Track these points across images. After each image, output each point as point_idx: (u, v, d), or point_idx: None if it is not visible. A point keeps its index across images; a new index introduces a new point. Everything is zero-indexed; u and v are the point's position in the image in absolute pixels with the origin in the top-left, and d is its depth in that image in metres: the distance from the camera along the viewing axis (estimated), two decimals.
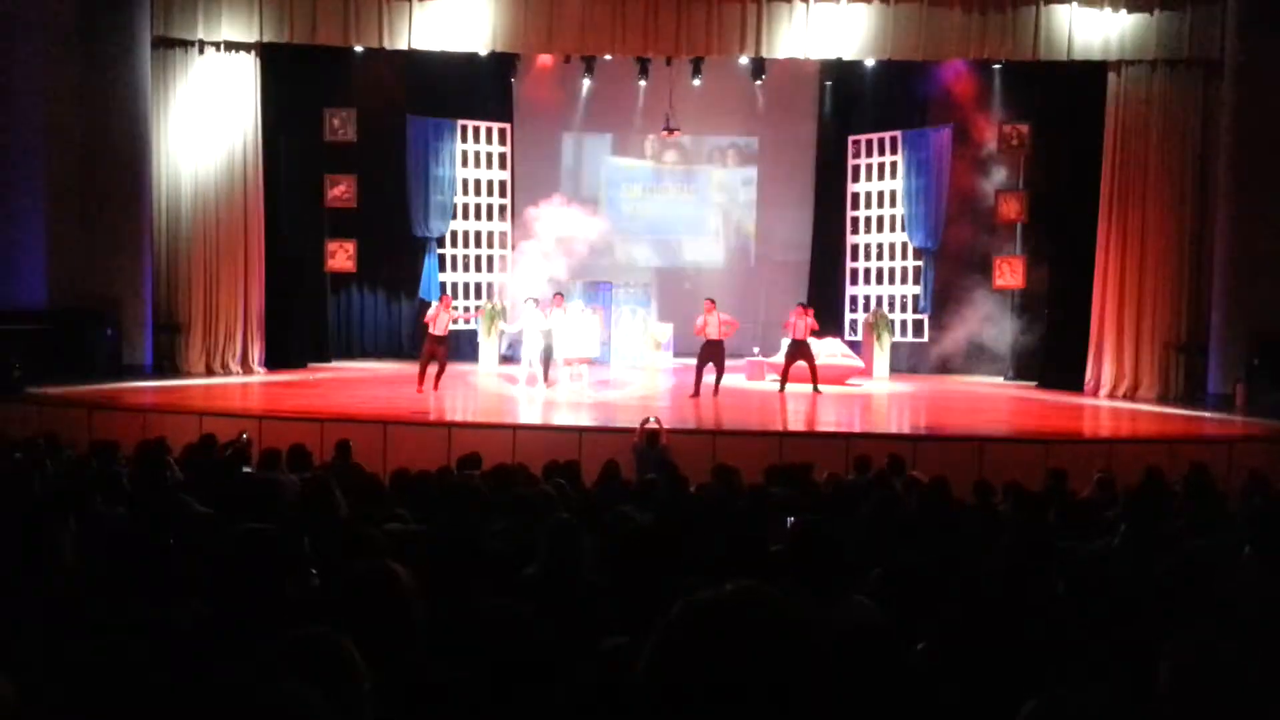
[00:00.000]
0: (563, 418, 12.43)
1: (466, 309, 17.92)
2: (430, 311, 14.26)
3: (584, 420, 12.08)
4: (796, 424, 12.85)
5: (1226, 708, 2.21)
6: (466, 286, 18.79)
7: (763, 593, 1.24)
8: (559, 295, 15.02)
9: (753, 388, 16.05)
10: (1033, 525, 5.51)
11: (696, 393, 13.85)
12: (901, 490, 7.12)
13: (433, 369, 13.83)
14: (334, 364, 17.57)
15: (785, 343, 15.07)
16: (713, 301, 14.34)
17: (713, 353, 13.93)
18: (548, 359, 14.49)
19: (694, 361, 14.25)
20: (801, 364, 14.57)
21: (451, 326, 14.32)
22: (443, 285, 18.35)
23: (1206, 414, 13.50)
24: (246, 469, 7.50)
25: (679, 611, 1.22)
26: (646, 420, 10.15)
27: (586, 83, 18.51)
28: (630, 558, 3.74)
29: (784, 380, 14.76)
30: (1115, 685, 2.22)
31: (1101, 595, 3.73)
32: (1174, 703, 2.24)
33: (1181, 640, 2.31)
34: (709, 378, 13.94)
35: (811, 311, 14.84)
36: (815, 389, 14.56)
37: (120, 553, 3.63)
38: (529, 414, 12.71)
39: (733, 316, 14.52)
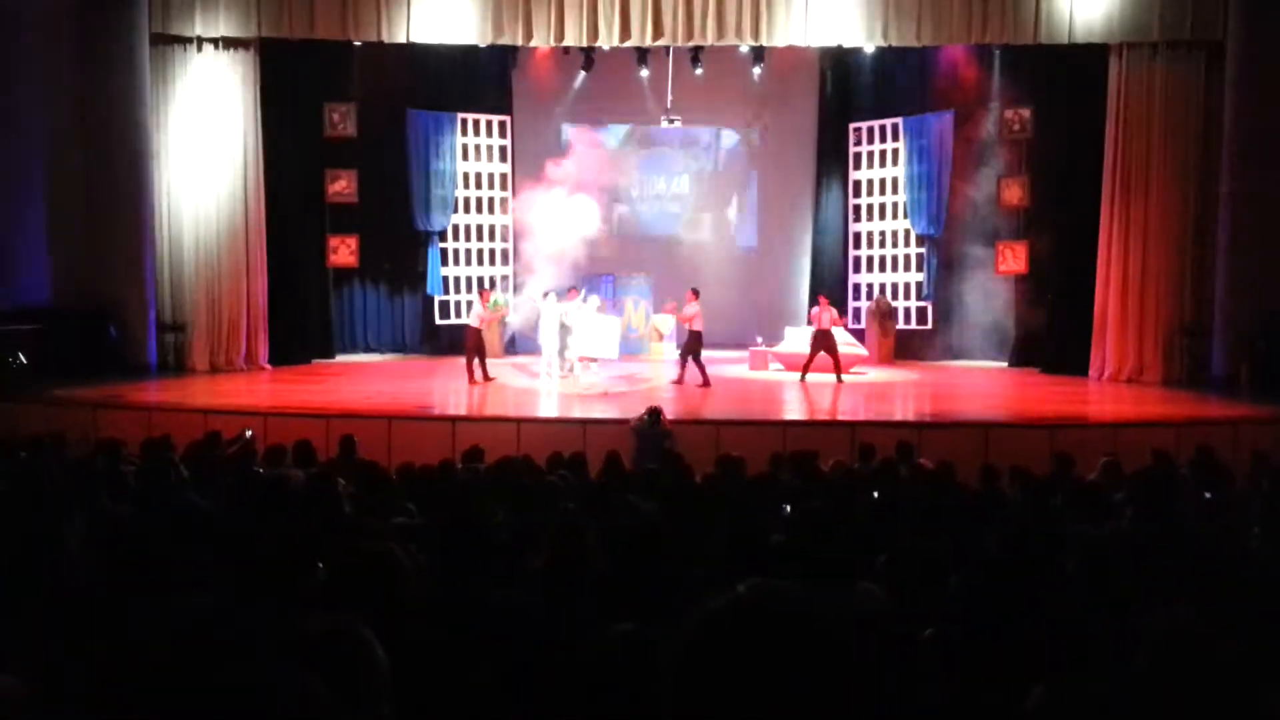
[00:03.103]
0: (572, 410, 12.42)
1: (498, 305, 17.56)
2: (474, 308, 14.74)
3: (590, 413, 12.07)
4: (801, 413, 12.84)
5: (1198, 686, 2.20)
6: (469, 280, 18.75)
7: (776, 592, 1.23)
8: (574, 289, 15.00)
9: (755, 377, 16.03)
10: (1039, 510, 5.50)
11: (706, 383, 14.10)
12: (907, 476, 7.11)
13: (476, 362, 14.19)
14: (338, 359, 17.57)
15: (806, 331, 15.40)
16: (695, 292, 14.85)
17: (693, 344, 14.42)
18: (563, 352, 14.63)
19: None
20: (825, 355, 14.60)
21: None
22: (481, 280, 18.30)
23: (1211, 396, 13.47)
24: (252, 466, 7.51)
25: (695, 621, 1.21)
26: (651, 408, 10.17)
27: (585, 74, 18.43)
28: (634, 547, 3.74)
29: (806, 370, 14.79)
30: (1121, 670, 2.21)
31: (1109, 579, 3.72)
32: (1148, 680, 2.23)
33: (1160, 620, 2.30)
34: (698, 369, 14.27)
35: (826, 301, 15.12)
36: (838, 379, 14.59)
37: (127, 550, 3.63)
38: (539, 407, 12.70)
39: (699, 311, 14.60)
